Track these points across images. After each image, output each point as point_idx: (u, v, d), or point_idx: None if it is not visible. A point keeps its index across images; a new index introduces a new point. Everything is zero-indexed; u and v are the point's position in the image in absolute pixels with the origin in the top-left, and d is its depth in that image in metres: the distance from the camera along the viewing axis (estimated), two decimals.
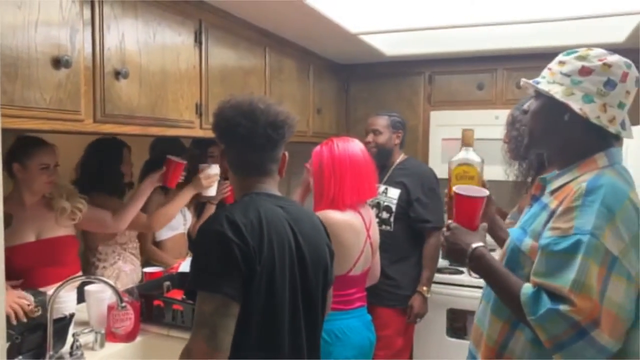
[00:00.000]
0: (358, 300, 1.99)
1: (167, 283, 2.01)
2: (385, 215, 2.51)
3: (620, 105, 1.16)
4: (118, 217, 2.08)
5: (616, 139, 1.19)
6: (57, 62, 1.40)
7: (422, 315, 2.49)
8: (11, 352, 1.47)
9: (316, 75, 2.97)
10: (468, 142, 1.49)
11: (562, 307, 1.04)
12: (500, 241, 1.42)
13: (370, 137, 2.55)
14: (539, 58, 1.30)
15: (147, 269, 2.14)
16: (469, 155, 1.46)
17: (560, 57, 1.21)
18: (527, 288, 1.11)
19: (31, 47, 1.34)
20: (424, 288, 2.47)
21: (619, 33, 2.43)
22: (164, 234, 2.47)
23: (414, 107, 3.16)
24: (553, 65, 1.22)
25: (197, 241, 1.23)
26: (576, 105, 1.15)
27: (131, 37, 1.66)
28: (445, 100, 3.10)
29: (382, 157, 2.55)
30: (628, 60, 1.18)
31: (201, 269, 1.17)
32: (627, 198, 1.09)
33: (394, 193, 2.51)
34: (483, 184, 1.44)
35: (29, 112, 1.35)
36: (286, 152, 1.36)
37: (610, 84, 1.14)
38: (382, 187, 2.55)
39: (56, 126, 1.45)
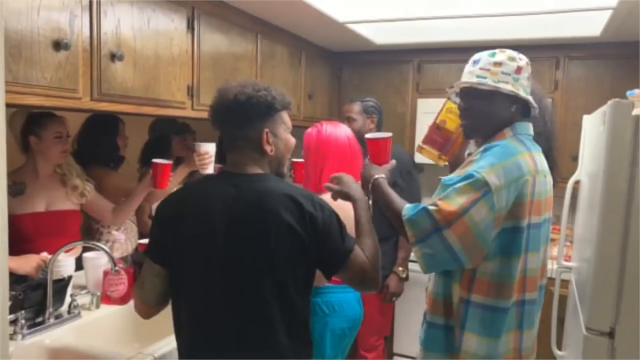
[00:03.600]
0: None
1: None
2: None
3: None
4: (116, 214, 2.23)
5: (523, 115, 1.46)
6: (57, 45, 1.52)
7: (398, 294, 2.58)
8: (14, 308, 1.62)
9: (308, 62, 3.07)
10: None
11: (430, 207, 1.32)
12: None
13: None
14: (522, 50, 1.49)
15: (142, 241, 2.28)
16: None
17: (491, 59, 1.42)
18: (409, 204, 1.39)
19: (34, 30, 1.46)
20: (400, 269, 2.56)
21: (595, 27, 2.53)
22: None
23: (402, 95, 3.27)
24: (489, 66, 1.42)
25: None
26: (531, 100, 1.43)
27: (126, 23, 1.78)
28: (432, 88, 3.19)
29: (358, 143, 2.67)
30: None
31: None
32: (513, 156, 1.36)
33: None
34: None
35: (31, 89, 1.47)
36: (266, 129, 1.30)
37: (529, 78, 1.44)
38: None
39: (56, 103, 1.58)
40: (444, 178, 1.41)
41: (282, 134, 1.35)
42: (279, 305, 1.26)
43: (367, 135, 1.61)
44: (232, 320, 1.26)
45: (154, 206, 2.57)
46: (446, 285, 1.44)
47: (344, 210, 1.95)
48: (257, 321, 1.26)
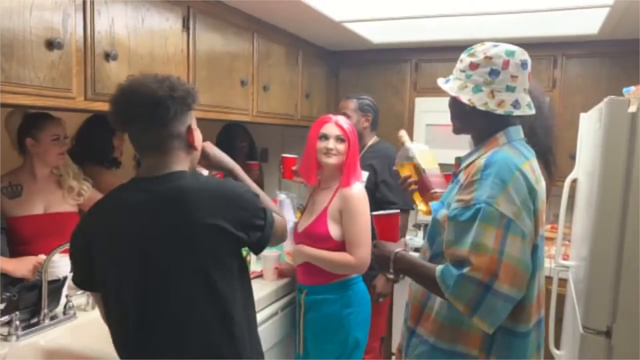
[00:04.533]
0: None
1: None
2: None
3: (510, 89, 1.31)
4: None
5: (520, 118, 1.36)
6: (50, 44, 1.51)
7: (385, 295, 2.54)
8: (9, 309, 1.61)
9: (306, 61, 3.06)
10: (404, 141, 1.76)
11: (466, 270, 1.19)
12: None
13: None
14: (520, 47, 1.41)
15: None
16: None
17: (461, 55, 1.37)
18: (438, 269, 1.27)
19: (26, 29, 1.45)
20: None
21: (593, 25, 2.52)
22: None
23: (400, 94, 3.26)
24: (457, 63, 1.38)
25: None
26: (465, 97, 1.32)
27: (121, 22, 1.77)
28: (430, 87, 3.17)
29: None
30: (511, 48, 1.34)
31: None
32: (517, 169, 1.25)
33: (363, 175, 2.58)
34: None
35: (24, 89, 1.46)
36: (189, 124, 1.27)
37: (494, 73, 1.30)
38: None
39: (49, 103, 1.57)
40: (450, 213, 1.29)
41: (196, 127, 1.31)
42: (211, 304, 1.21)
43: (375, 213, 1.54)
44: (168, 335, 1.22)
45: None
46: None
47: (364, 213, 2.05)
48: (194, 328, 1.20)
